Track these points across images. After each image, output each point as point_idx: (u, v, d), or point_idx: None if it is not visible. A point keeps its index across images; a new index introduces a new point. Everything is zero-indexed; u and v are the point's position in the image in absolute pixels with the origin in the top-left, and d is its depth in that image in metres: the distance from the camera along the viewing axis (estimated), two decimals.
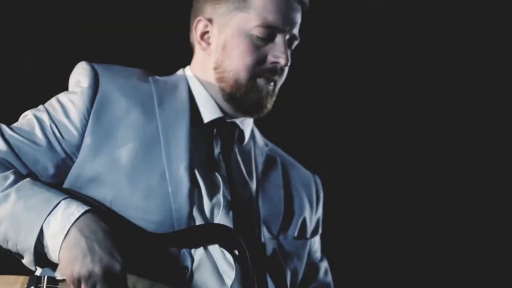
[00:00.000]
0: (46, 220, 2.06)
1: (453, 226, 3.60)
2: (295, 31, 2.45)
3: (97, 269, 1.98)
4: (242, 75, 2.40)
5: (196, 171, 2.32)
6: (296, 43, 2.48)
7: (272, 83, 2.44)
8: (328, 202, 2.71)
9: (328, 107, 3.61)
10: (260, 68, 2.41)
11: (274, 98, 2.47)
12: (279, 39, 2.40)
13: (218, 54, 2.44)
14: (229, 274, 2.23)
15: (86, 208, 2.08)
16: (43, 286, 2.08)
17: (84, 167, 2.25)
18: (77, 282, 2.00)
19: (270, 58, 2.40)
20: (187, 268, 2.18)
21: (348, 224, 3.52)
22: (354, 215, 3.58)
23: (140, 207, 2.21)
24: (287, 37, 2.42)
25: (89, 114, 2.27)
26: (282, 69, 2.44)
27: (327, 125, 3.61)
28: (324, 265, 2.62)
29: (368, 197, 3.62)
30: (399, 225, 3.59)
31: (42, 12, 3.20)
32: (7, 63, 3.16)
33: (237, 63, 2.40)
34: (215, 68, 2.44)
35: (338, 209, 3.23)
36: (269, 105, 2.46)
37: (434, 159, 3.64)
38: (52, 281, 2.10)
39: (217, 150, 2.41)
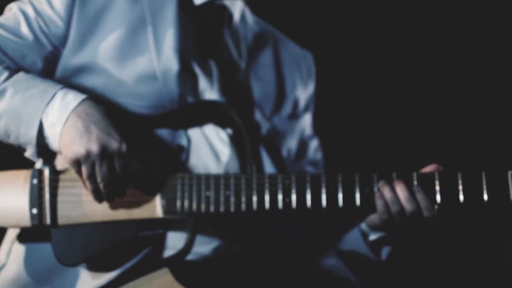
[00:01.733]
0: (45, 111, 2.07)
1: None
2: None
3: (94, 148, 2.01)
4: None
5: (186, 55, 2.32)
6: None
7: None
8: (321, 80, 2.72)
9: None
10: None
11: None
12: None
13: None
14: (224, 152, 2.27)
15: (83, 96, 2.09)
16: (45, 178, 2.13)
17: (72, 57, 2.24)
18: (76, 164, 2.04)
19: None
20: (184, 147, 2.22)
21: (341, 101, 3.53)
22: (347, 92, 3.58)
23: (131, 93, 2.22)
24: None
25: (73, 3, 2.24)
26: None
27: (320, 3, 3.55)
28: (315, 142, 2.65)
29: (361, 73, 3.61)
30: (394, 101, 3.60)
31: None
32: None
33: None
34: None
35: (331, 87, 3.24)
36: None
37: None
38: (54, 171, 2.14)
39: (206, 34, 2.39)
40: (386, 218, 2.15)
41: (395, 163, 2.33)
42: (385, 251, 2.35)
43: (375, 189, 2.13)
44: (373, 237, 2.31)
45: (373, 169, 2.19)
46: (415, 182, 2.13)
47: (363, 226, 2.31)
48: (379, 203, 2.13)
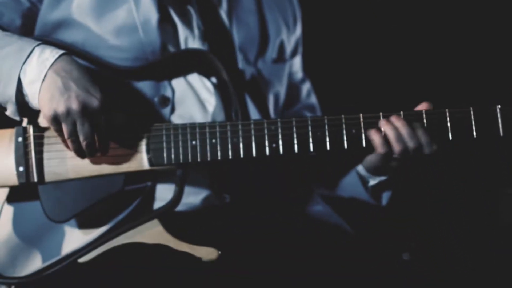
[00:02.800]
0: (22, 68, 2.04)
1: None
2: None
3: (74, 106, 1.99)
4: None
5: (166, 4, 2.28)
6: None
7: None
8: (309, 21, 2.68)
9: None
10: None
11: None
12: None
13: None
14: (210, 101, 2.25)
15: (60, 52, 2.06)
16: (30, 135, 2.12)
17: (50, 13, 2.21)
18: (56, 122, 2.01)
19: None
20: (169, 98, 2.20)
21: (331, 42, 3.48)
22: (337, 34, 3.53)
23: (112, 46, 2.20)
24: None
25: None
26: None
27: None
28: (307, 86, 2.63)
29: (351, 12, 3.56)
30: (383, 40, 3.56)
31: None
32: None
33: None
34: None
35: (320, 28, 3.20)
36: None
37: None
38: (38, 128, 2.13)
39: None
40: (386, 157, 2.13)
41: (386, 104, 2.30)
42: (385, 196, 2.34)
43: (363, 130, 2.11)
44: (373, 182, 2.30)
45: (363, 110, 2.16)
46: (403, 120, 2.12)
47: (362, 171, 2.29)
48: (376, 142, 2.10)
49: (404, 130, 2.09)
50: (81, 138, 2.01)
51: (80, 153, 2.06)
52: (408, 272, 2.23)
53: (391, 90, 3.49)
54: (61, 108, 1.99)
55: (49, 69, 2.02)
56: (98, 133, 2.03)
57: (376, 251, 2.23)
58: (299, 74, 2.62)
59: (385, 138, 2.10)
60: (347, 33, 3.55)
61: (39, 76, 2.02)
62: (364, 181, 2.30)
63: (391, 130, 2.10)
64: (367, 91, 3.52)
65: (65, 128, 2.01)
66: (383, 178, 2.29)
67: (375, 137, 2.11)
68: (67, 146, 2.06)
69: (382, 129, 2.11)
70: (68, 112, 1.99)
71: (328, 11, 3.46)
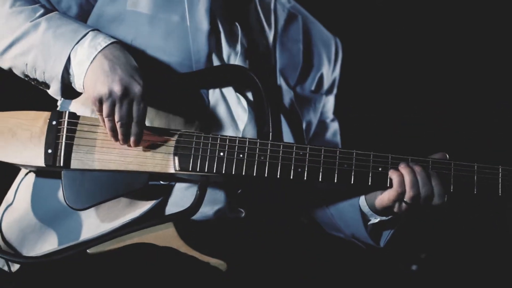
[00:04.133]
0: (74, 48, 2.10)
1: None
2: None
3: (116, 88, 2.03)
4: None
5: (216, 16, 2.33)
6: None
7: None
8: (347, 67, 2.73)
9: None
10: None
11: None
12: None
13: None
14: (243, 118, 2.29)
15: (112, 39, 2.12)
16: (64, 121, 2.15)
17: (106, 6, 2.27)
18: (98, 102, 2.06)
19: None
20: (203, 108, 2.24)
21: (364, 89, 3.53)
22: (370, 82, 3.59)
23: (160, 47, 2.24)
24: None
25: None
26: None
27: None
28: (335, 125, 2.66)
29: (384, 64, 3.62)
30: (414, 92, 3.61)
31: None
32: None
33: None
34: None
35: (356, 74, 3.25)
36: None
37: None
38: (73, 115, 2.17)
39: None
40: (397, 200, 2.15)
41: (408, 150, 2.33)
42: (384, 236, 2.35)
43: (389, 169, 2.14)
44: (374, 220, 2.31)
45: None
46: (431, 168, 2.14)
47: (365, 208, 2.30)
48: (395, 182, 2.13)
49: (420, 176, 2.12)
50: (116, 118, 2.05)
51: (114, 134, 2.09)
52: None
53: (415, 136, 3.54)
54: (104, 89, 2.03)
55: (99, 52, 2.07)
56: (136, 119, 2.06)
57: (385, 263, 2.24)
58: (330, 113, 2.66)
59: (402, 180, 2.13)
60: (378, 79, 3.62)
61: (89, 58, 2.07)
62: (365, 218, 2.32)
63: (409, 174, 2.13)
64: (392, 134, 3.56)
65: (105, 108, 2.05)
66: (384, 218, 2.30)
67: (394, 176, 2.14)
68: (104, 125, 2.09)
69: (402, 171, 2.14)
70: (110, 93, 2.03)
71: (364, 57, 3.53)
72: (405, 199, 2.15)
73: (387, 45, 3.63)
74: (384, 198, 2.21)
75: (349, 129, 2.80)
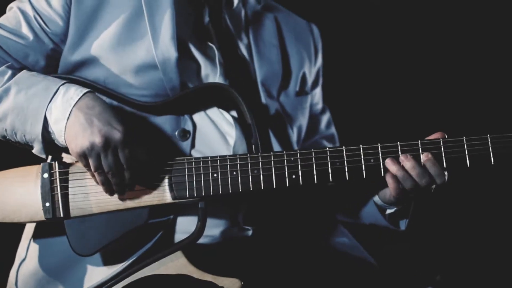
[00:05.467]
0: (48, 107, 2.11)
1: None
2: None
3: (97, 140, 2.04)
4: None
5: (186, 41, 2.32)
6: None
7: None
8: (328, 51, 2.70)
9: None
10: None
11: None
12: None
13: None
14: (231, 133, 2.28)
15: (84, 90, 2.12)
16: (55, 172, 2.17)
17: (73, 52, 2.26)
18: (83, 156, 2.07)
19: None
20: (189, 132, 2.24)
21: (350, 72, 3.52)
22: (355, 63, 3.57)
23: (132, 84, 2.24)
24: None
25: (70, 0, 2.26)
26: None
27: None
28: (326, 116, 2.65)
29: (368, 43, 3.60)
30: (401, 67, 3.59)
31: None
32: None
33: None
34: None
35: (339, 58, 3.23)
36: None
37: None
38: (63, 165, 2.18)
39: (206, 19, 2.39)
40: (399, 194, 2.15)
41: (401, 132, 2.33)
42: (403, 222, 2.35)
43: (381, 159, 2.13)
44: (389, 211, 2.31)
45: (380, 139, 2.18)
46: (421, 151, 2.13)
47: (379, 201, 2.30)
48: (389, 181, 2.13)
49: (413, 171, 2.11)
50: (106, 169, 2.06)
51: (108, 187, 2.10)
52: None
53: (408, 117, 3.51)
54: (85, 143, 2.04)
55: (73, 106, 2.08)
56: (125, 165, 2.07)
57: (401, 285, 2.24)
58: (319, 105, 2.64)
59: (396, 178, 2.13)
60: (364, 61, 3.59)
61: (64, 115, 2.08)
62: (381, 209, 2.32)
63: (399, 170, 2.11)
64: (384, 119, 3.54)
65: (91, 162, 2.06)
66: (398, 207, 2.30)
67: (387, 178, 2.14)
68: (96, 180, 2.11)
69: (390, 168, 2.13)
70: (92, 147, 2.04)
71: (346, 41, 3.50)
72: (407, 192, 2.15)
73: (371, 27, 3.60)
74: (386, 193, 2.24)
75: (344, 115, 2.80)
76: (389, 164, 2.13)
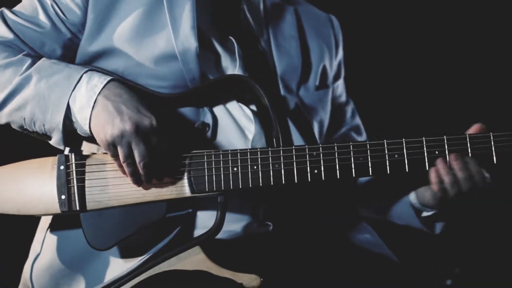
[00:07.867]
0: (72, 95, 2.07)
1: None
2: None
3: (128, 127, 2.00)
4: None
5: (206, 33, 2.28)
6: None
7: None
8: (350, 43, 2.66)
9: None
10: None
11: None
12: None
13: None
14: (250, 128, 2.24)
15: (108, 78, 2.09)
16: (72, 163, 2.12)
17: (91, 43, 2.22)
18: (112, 146, 2.03)
19: None
20: (209, 125, 2.19)
21: (371, 63, 3.47)
22: (376, 54, 3.52)
23: (151, 74, 2.20)
24: None
25: None
26: None
27: None
28: (350, 107, 2.61)
29: (390, 34, 3.56)
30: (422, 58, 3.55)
31: None
32: None
33: None
34: None
35: (360, 50, 3.19)
36: None
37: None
38: (80, 156, 2.13)
39: (225, 10, 2.34)
40: (440, 192, 2.11)
41: (424, 125, 2.28)
42: (438, 225, 2.31)
43: (405, 155, 2.08)
44: (426, 214, 2.28)
45: (404, 133, 2.14)
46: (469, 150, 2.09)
47: (415, 203, 2.27)
48: (433, 179, 2.09)
49: (461, 174, 2.07)
50: (138, 159, 2.02)
51: (136, 178, 2.06)
52: None
53: (431, 110, 3.47)
54: (115, 131, 2.00)
55: (98, 94, 2.05)
56: (154, 152, 2.03)
57: (419, 278, 2.20)
58: (342, 97, 2.60)
59: (441, 179, 2.09)
60: (386, 53, 3.55)
61: (89, 103, 2.05)
62: (417, 211, 2.29)
63: (447, 175, 2.08)
64: (407, 112, 3.50)
65: (120, 151, 2.02)
66: (436, 211, 2.26)
67: (432, 175, 2.10)
68: (123, 172, 2.06)
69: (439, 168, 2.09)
70: (123, 134, 2.00)
71: (368, 32, 3.46)
72: (444, 189, 2.11)
73: (391, 18, 3.56)
74: (426, 194, 2.22)
75: (368, 106, 2.75)
76: (440, 163, 2.09)
